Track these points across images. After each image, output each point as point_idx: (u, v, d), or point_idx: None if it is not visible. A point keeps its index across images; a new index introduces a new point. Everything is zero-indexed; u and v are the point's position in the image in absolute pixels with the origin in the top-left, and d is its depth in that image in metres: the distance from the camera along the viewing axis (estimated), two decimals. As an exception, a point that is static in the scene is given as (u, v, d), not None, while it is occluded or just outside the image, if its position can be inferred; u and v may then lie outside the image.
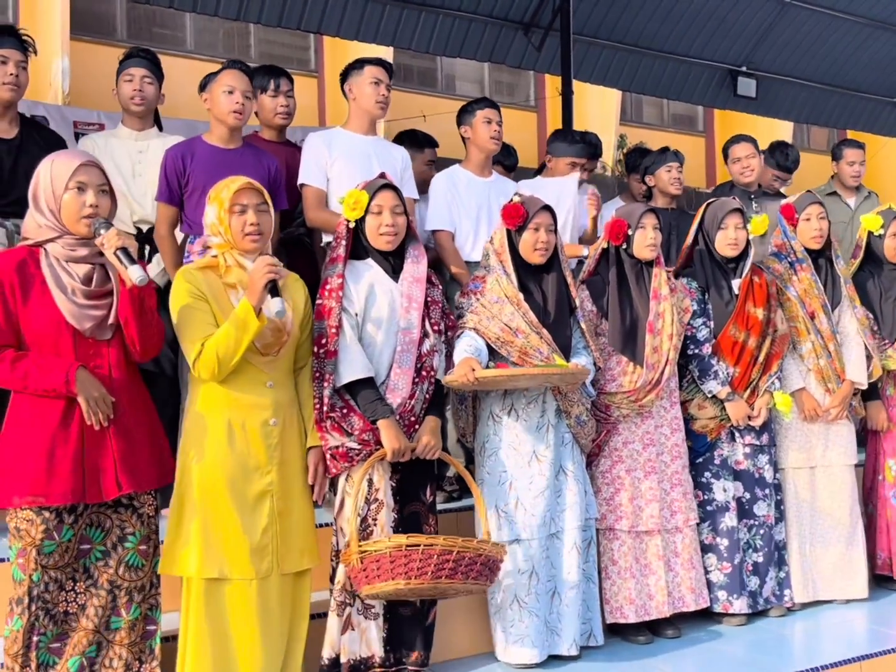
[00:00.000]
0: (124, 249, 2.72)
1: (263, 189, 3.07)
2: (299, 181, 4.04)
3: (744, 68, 8.48)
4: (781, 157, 5.49)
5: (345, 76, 4.15)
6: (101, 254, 2.82)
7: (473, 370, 3.18)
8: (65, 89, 9.49)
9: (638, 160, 5.24)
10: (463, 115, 4.43)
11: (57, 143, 3.85)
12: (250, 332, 2.87)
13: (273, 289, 2.87)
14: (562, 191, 4.57)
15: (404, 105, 10.76)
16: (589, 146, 4.84)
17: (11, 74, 3.71)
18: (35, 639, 2.78)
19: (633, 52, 8.10)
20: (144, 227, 4.04)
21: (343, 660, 3.15)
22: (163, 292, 3.48)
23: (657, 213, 3.86)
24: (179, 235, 3.90)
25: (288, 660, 3.08)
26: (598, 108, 12.24)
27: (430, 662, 3.32)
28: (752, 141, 5.17)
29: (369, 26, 7.32)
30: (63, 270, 2.80)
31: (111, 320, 2.83)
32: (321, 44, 11.22)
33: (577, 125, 8.27)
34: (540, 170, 4.88)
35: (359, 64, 4.10)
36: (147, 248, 4.02)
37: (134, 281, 2.70)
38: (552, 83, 9.16)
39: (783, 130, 13.54)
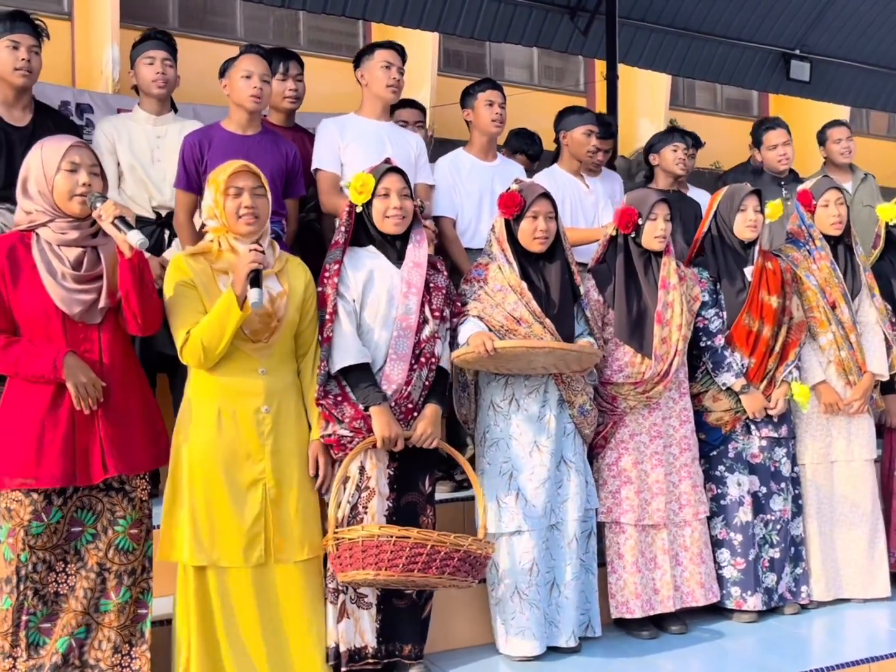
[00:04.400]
0: (122, 218, 2.72)
1: (261, 173, 3.06)
2: (313, 166, 4.01)
3: (797, 51, 8.31)
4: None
5: (357, 62, 4.12)
6: (93, 235, 2.83)
7: (492, 339, 3.16)
8: (115, 77, 9.62)
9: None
10: (465, 98, 4.35)
11: (70, 130, 3.82)
12: (233, 321, 2.86)
13: (255, 279, 2.83)
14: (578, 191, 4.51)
15: (454, 91, 10.70)
16: (601, 120, 4.72)
17: (23, 59, 3.65)
18: (24, 618, 2.81)
19: (682, 36, 7.98)
20: (163, 213, 4.03)
21: (342, 648, 3.13)
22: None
23: (669, 203, 3.77)
24: (198, 222, 3.86)
25: (311, 648, 3.06)
26: (648, 92, 12.07)
27: (431, 652, 3.29)
28: (786, 126, 5.05)
29: (414, 12, 7.31)
30: (54, 255, 2.81)
31: (101, 304, 2.83)
32: (369, 30, 11.22)
33: (625, 110, 8.15)
34: (555, 158, 4.72)
35: (370, 49, 4.06)
36: (167, 233, 4.01)
37: (134, 244, 2.69)
38: (601, 68, 9.06)
39: (840, 115, 13.22)
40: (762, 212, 3.94)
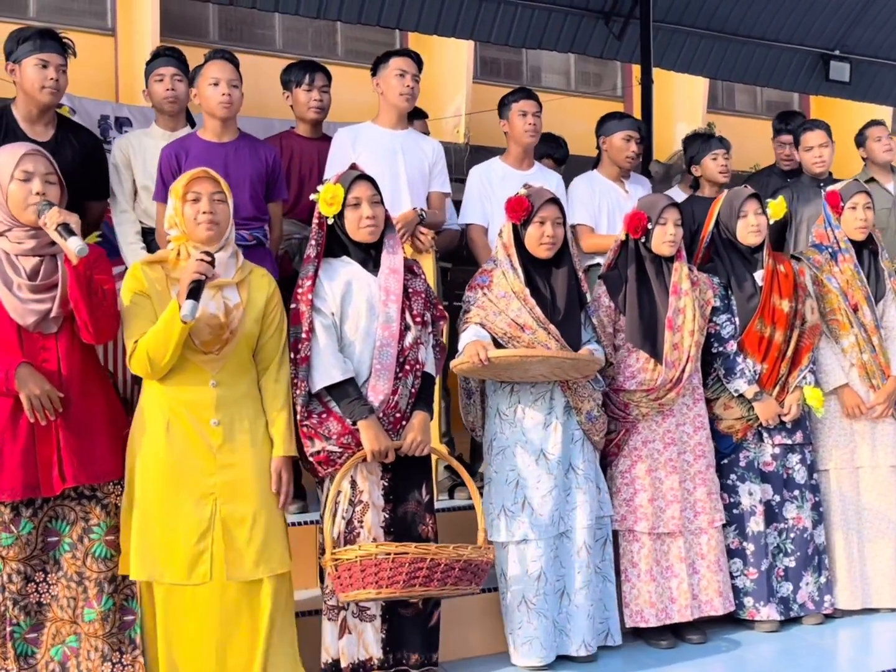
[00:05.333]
0: (65, 225, 2.71)
1: (221, 179, 2.98)
2: (325, 176, 3.99)
3: (836, 52, 8.15)
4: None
5: (374, 70, 4.12)
6: (52, 243, 2.82)
7: (485, 349, 3.14)
8: (156, 91, 9.77)
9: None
10: (501, 109, 4.36)
11: (92, 144, 3.89)
12: (176, 333, 2.78)
13: (194, 290, 2.75)
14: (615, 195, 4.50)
15: (490, 98, 10.72)
16: (637, 123, 4.68)
17: (52, 79, 3.66)
18: (8, 629, 2.81)
19: (718, 39, 7.88)
20: None
21: (343, 664, 3.09)
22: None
23: (680, 208, 3.73)
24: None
25: (280, 664, 2.96)
26: (685, 96, 11.96)
27: (445, 661, 3.26)
28: (826, 128, 4.93)
29: (448, 20, 7.32)
30: (10, 266, 2.82)
31: (54, 313, 2.83)
32: (406, 39, 11.28)
33: (662, 114, 8.08)
34: (597, 163, 4.76)
35: (385, 57, 4.07)
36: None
37: (74, 251, 2.67)
38: (637, 72, 9.04)
39: (881, 116, 13.01)
40: (764, 213, 3.88)
